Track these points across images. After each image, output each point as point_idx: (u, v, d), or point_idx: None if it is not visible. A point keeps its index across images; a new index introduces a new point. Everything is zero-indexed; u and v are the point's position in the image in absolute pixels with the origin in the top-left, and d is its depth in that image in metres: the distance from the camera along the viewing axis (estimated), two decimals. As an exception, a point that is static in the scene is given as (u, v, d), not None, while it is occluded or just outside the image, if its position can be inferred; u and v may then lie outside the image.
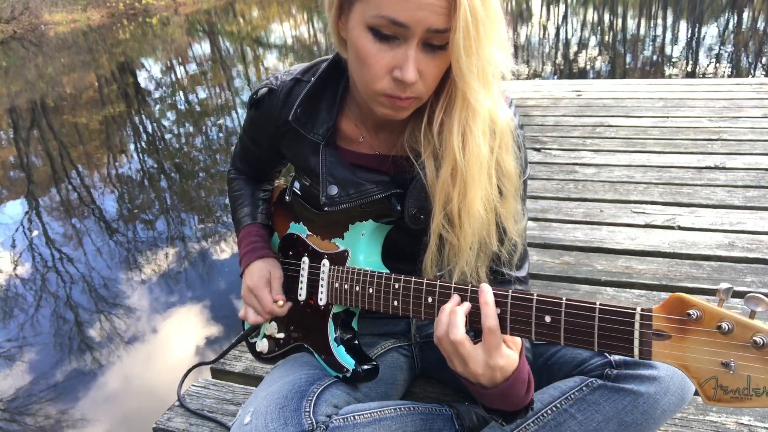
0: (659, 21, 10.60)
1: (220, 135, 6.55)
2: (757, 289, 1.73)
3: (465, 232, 0.91)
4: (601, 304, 0.72)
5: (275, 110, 1.06)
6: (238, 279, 1.30)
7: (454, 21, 0.76)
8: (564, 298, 0.75)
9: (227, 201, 1.32)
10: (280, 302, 1.09)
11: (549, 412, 0.95)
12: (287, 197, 1.13)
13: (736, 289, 1.71)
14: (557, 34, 10.56)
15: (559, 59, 8.24)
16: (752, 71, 6.38)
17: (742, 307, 1.59)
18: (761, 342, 0.59)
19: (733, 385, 0.62)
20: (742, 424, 1.25)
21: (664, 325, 0.67)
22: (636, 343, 0.69)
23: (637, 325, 0.69)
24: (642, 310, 0.69)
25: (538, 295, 0.78)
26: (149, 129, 7.46)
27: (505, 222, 0.95)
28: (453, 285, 0.86)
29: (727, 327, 0.62)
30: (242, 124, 1.21)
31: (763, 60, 6.79)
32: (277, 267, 1.13)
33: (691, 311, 0.65)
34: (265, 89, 1.06)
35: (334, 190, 1.00)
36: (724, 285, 0.64)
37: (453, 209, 0.91)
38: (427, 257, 0.96)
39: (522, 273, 1.07)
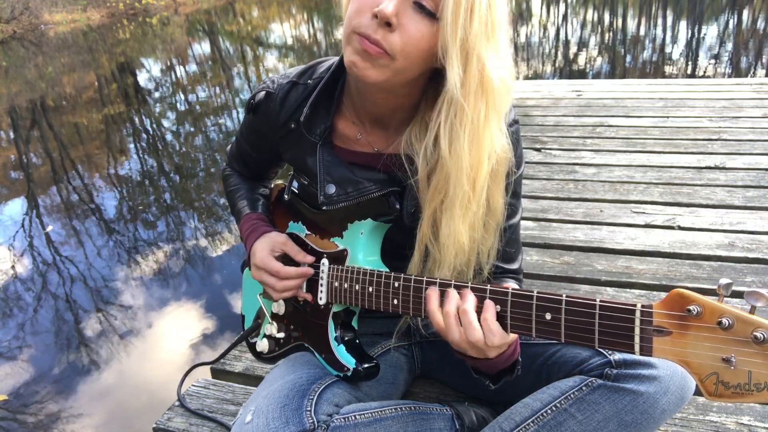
0: (659, 21, 10.61)
1: (220, 135, 6.54)
2: (757, 290, 1.73)
3: (446, 250, 0.92)
4: (601, 301, 0.73)
5: (273, 114, 1.06)
6: (238, 278, 1.30)
7: None
8: (564, 295, 0.75)
9: (227, 200, 1.31)
10: (309, 258, 1.06)
11: (549, 411, 0.95)
12: (286, 196, 1.13)
13: (737, 289, 1.70)
14: (557, 34, 10.56)
15: (559, 59, 8.24)
16: (752, 71, 6.38)
17: (742, 306, 1.59)
18: (762, 337, 0.60)
19: (734, 380, 0.62)
20: (742, 423, 1.24)
21: (665, 321, 0.67)
22: (637, 339, 0.69)
23: (637, 322, 0.69)
24: (642, 306, 0.69)
25: (538, 293, 0.78)
26: (149, 129, 7.45)
27: (481, 249, 0.96)
28: (453, 283, 0.86)
29: (727, 322, 0.62)
30: (239, 126, 1.21)
31: (763, 60, 6.79)
32: (279, 235, 1.11)
33: (691, 307, 0.65)
34: (262, 93, 1.06)
35: (332, 189, 1.00)
36: (724, 280, 0.64)
37: (439, 219, 0.91)
38: (411, 266, 0.98)
39: (515, 265, 1.10)
